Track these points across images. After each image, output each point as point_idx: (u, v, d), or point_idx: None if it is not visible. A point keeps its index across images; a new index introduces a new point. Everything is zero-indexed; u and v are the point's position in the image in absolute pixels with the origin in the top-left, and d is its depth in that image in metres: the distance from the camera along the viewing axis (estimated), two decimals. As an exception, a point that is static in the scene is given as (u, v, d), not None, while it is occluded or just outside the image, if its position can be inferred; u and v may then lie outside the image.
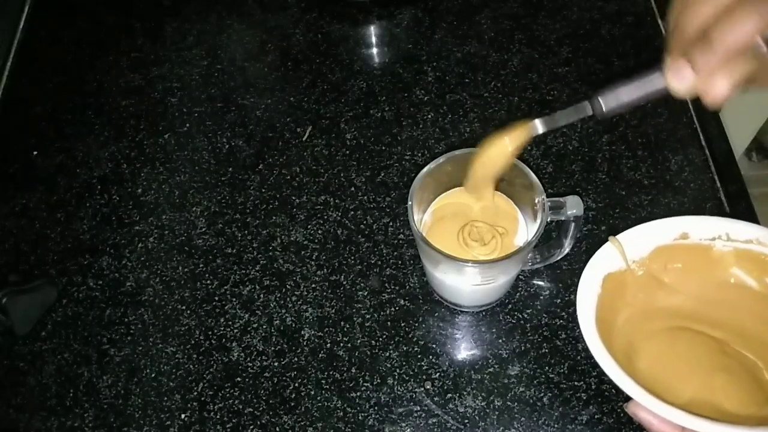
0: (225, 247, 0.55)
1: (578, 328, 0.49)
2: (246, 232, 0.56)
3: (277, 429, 0.47)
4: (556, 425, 0.46)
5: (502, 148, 0.40)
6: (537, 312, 0.51)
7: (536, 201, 0.44)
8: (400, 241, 0.55)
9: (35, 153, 0.62)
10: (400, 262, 0.54)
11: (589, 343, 0.36)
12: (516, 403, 0.47)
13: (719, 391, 0.37)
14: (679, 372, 0.38)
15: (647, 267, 0.41)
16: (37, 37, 0.70)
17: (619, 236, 0.40)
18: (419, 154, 0.59)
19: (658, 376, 0.37)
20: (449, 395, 0.48)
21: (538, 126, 0.39)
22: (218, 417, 0.48)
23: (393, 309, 0.52)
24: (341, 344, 0.50)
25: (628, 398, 0.34)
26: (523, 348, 0.49)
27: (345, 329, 0.51)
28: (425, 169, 0.45)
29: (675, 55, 0.32)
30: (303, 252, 0.55)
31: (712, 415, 0.32)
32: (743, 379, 0.37)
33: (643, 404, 0.33)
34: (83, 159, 0.61)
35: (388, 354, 0.50)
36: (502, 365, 0.49)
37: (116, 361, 0.51)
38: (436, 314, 0.51)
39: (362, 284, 0.53)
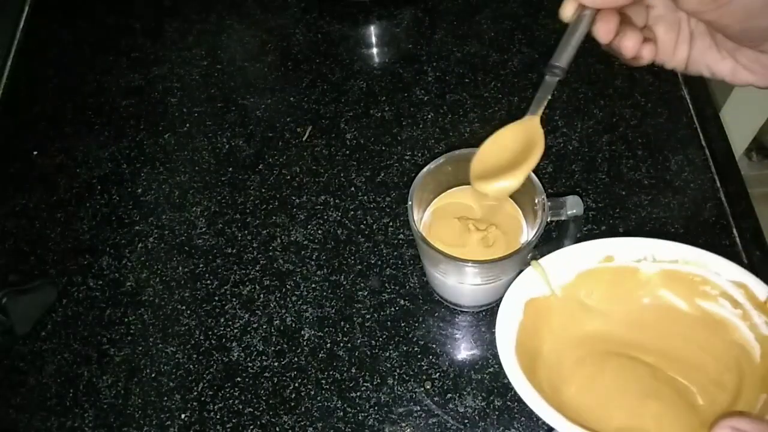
0: (225, 247, 0.55)
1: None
2: (246, 232, 0.56)
3: (277, 429, 0.47)
4: (556, 425, 0.46)
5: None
6: (537, 312, 0.51)
7: (536, 201, 0.44)
8: (400, 241, 0.55)
9: (35, 153, 0.62)
10: (400, 262, 0.54)
11: (509, 372, 0.34)
12: (516, 403, 0.47)
13: (650, 419, 0.36)
14: (608, 400, 0.37)
15: (571, 292, 0.39)
16: (37, 37, 0.70)
17: (542, 260, 0.39)
18: (419, 154, 0.59)
19: (587, 405, 0.36)
20: (449, 395, 0.48)
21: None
22: (218, 417, 0.48)
23: (393, 309, 0.52)
24: (341, 344, 0.50)
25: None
26: (523, 348, 0.49)
27: (345, 329, 0.51)
28: (425, 169, 0.45)
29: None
30: (303, 252, 0.55)
31: None
32: (676, 405, 0.36)
33: None
34: (83, 159, 0.61)
35: (388, 354, 0.50)
36: (502, 365, 0.49)
37: (116, 361, 0.51)
38: (436, 314, 0.51)
39: (362, 284, 0.53)
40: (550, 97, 0.37)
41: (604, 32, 0.33)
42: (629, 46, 0.33)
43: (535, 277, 0.39)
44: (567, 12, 0.35)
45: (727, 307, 0.37)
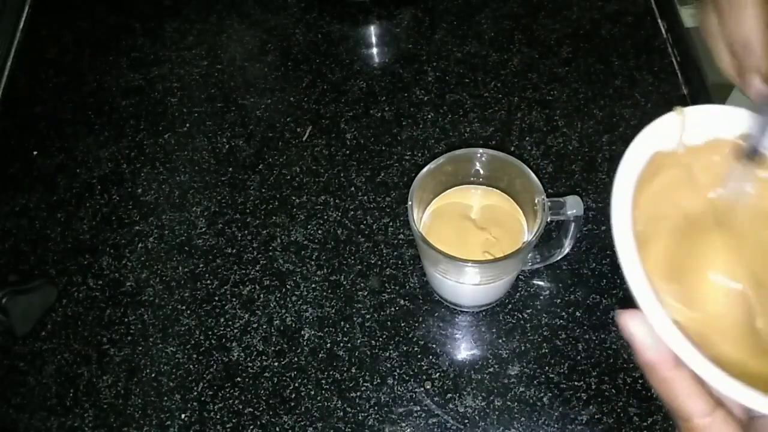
0: (225, 247, 0.55)
1: (578, 328, 0.50)
2: (246, 232, 0.56)
3: (277, 429, 0.47)
4: (556, 425, 0.46)
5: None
6: (537, 312, 0.51)
7: (536, 201, 0.44)
8: (400, 241, 0.55)
9: (35, 153, 0.62)
10: (400, 262, 0.54)
11: (618, 217, 0.29)
12: (516, 403, 0.47)
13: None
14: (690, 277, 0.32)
15: (693, 158, 0.34)
16: (37, 37, 0.70)
17: (686, 109, 0.33)
18: (419, 154, 0.59)
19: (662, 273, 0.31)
20: (449, 395, 0.48)
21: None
22: (218, 417, 0.48)
23: (393, 309, 0.52)
24: (341, 344, 0.50)
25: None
26: (523, 348, 0.49)
27: (345, 329, 0.51)
28: (425, 169, 0.45)
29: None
30: (303, 252, 0.55)
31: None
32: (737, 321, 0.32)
33: (648, 316, 0.27)
34: (83, 159, 0.61)
35: (388, 354, 0.50)
36: (502, 365, 0.49)
37: (116, 361, 0.51)
38: (436, 314, 0.51)
39: (362, 284, 0.53)
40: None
41: None
42: None
43: (670, 127, 0.33)
44: (757, 87, 0.32)
45: None
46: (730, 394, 0.26)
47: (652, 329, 0.27)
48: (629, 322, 0.28)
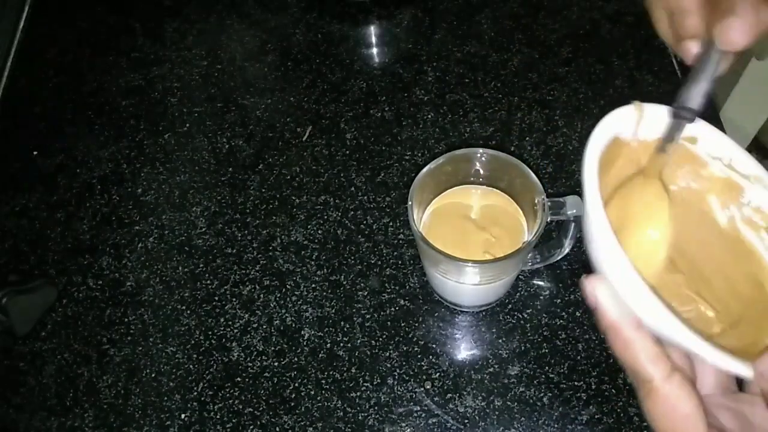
0: (225, 247, 0.55)
1: (578, 328, 0.50)
2: (246, 232, 0.56)
3: (277, 429, 0.47)
4: (556, 425, 0.46)
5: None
6: (537, 312, 0.51)
7: (536, 201, 0.44)
8: (400, 241, 0.55)
9: (35, 153, 0.62)
10: (400, 262, 0.54)
11: (589, 187, 0.31)
12: (516, 403, 0.47)
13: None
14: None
15: (643, 153, 0.37)
16: (37, 37, 0.70)
17: (644, 105, 0.36)
18: (419, 154, 0.59)
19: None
20: (449, 395, 0.48)
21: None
22: (218, 417, 0.48)
23: (393, 309, 0.52)
24: (341, 344, 0.50)
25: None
26: (523, 348, 0.49)
27: (345, 329, 0.51)
28: (425, 169, 0.45)
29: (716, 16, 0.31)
30: (303, 252, 0.55)
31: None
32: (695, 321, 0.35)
33: (617, 279, 0.28)
34: (83, 159, 0.61)
35: (388, 354, 0.50)
36: (502, 365, 0.49)
37: (116, 361, 0.51)
38: (436, 314, 0.51)
39: (362, 284, 0.53)
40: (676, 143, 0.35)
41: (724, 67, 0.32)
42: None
43: (628, 118, 0.36)
44: (692, 52, 0.33)
45: (767, 242, 0.35)
46: (703, 355, 0.27)
47: (616, 293, 0.29)
48: (596, 286, 0.29)
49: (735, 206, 0.37)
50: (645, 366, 0.28)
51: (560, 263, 0.52)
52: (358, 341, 0.50)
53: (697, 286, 0.37)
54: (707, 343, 0.27)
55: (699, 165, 0.37)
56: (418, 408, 0.48)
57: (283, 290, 0.53)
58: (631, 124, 0.36)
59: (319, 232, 0.56)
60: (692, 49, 0.34)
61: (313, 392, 0.48)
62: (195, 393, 0.49)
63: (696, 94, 0.34)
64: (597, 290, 0.29)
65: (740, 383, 0.32)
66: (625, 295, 0.28)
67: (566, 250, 0.48)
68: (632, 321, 0.28)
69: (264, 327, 0.51)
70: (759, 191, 0.36)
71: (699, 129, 0.37)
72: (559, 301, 0.51)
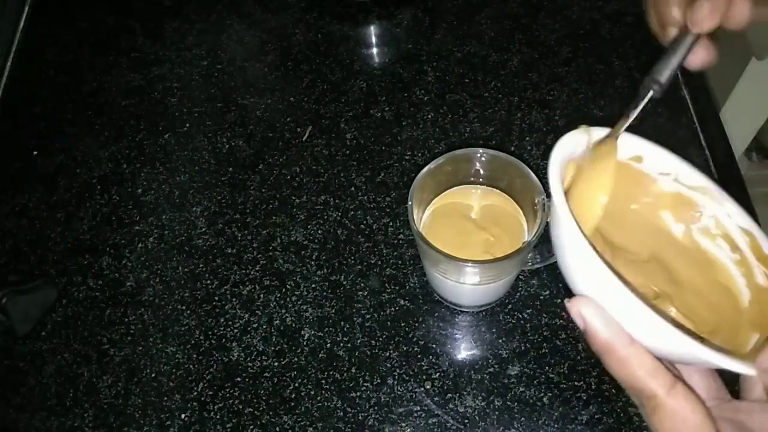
0: (225, 247, 0.55)
1: (578, 328, 0.50)
2: (246, 232, 0.56)
3: (277, 429, 0.47)
4: (556, 425, 0.46)
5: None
6: (537, 312, 0.51)
7: (536, 201, 0.44)
8: (400, 241, 0.55)
9: (35, 153, 0.62)
10: (400, 262, 0.54)
11: (560, 207, 0.31)
12: (516, 403, 0.47)
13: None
14: None
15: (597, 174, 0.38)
16: (37, 37, 0.70)
17: (591, 129, 0.38)
18: (419, 154, 0.59)
19: None
20: (449, 395, 0.48)
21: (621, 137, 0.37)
22: (218, 417, 0.48)
23: (393, 309, 0.52)
24: (341, 344, 0.50)
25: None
26: (523, 348, 0.49)
27: (345, 329, 0.51)
28: (425, 169, 0.45)
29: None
30: (303, 252, 0.55)
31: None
32: None
33: (602, 293, 0.28)
34: (83, 159, 0.61)
35: (388, 354, 0.50)
36: (502, 365, 0.49)
37: (116, 361, 0.51)
38: (436, 314, 0.51)
39: (362, 284, 0.53)
40: (639, 115, 0.37)
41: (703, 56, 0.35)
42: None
43: (579, 141, 0.37)
44: (669, 36, 0.36)
45: (725, 249, 0.37)
46: (704, 357, 0.26)
47: (603, 311, 0.28)
48: (582, 306, 0.28)
49: (688, 219, 0.38)
50: (646, 382, 0.27)
51: (560, 263, 0.52)
52: (358, 341, 0.50)
53: (670, 300, 0.37)
54: (705, 345, 0.26)
55: (648, 182, 0.39)
56: (418, 408, 0.48)
57: (283, 290, 0.53)
58: (582, 148, 0.38)
59: (319, 232, 0.56)
60: (671, 33, 0.36)
61: (313, 392, 0.48)
62: (195, 393, 0.49)
63: (664, 69, 0.36)
64: (583, 311, 0.28)
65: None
66: (613, 308, 0.28)
67: (566, 250, 0.48)
68: (625, 337, 0.27)
69: (264, 327, 0.51)
70: (707, 202, 0.37)
71: (643, 147, 0.38)
72: (559, 301, 0.51)
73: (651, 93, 0.36)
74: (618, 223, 0.38)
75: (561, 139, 0.36)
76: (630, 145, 0.39)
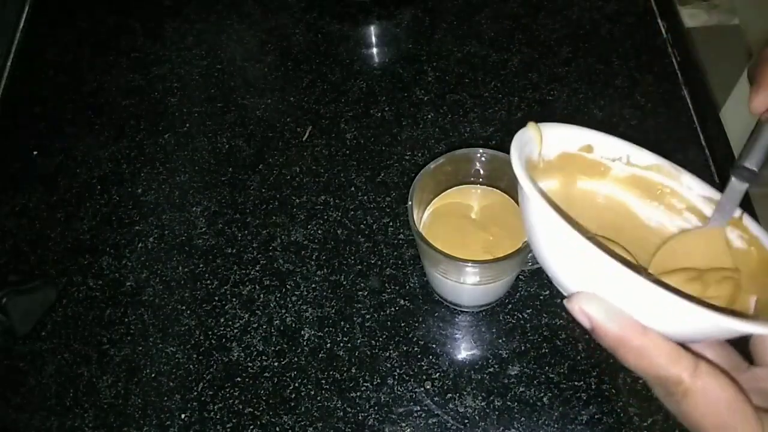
0: (225, 247, 0.55)
1: (578, 328, 0.50)
2: (246, 232, 0.56)
3: (277, 429, 0.47)
4: (556, 425, 0.46)
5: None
6: (537, 312, 0.51)
7: (536, 201, 0.44)
8: (400, 241, 0.55)
9: (35, 153, 0.62)
10: (400, 262, 0.54)
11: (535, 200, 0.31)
12: (516, 403, 0.47)
13: None
14: None
15: (550, 171, 0.38)
16: (37, 37, 0.70)
17: (540, 125, 0.37)
18: (419, 154, 0.59)
19: None
20: (449, 395, 0.48)
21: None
22: (218, 417, 0.48)
23: (393, 309, 0.52)
24: (341, 344, 0.50)
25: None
26: (523, 348, 0.49)
27: (345, 329, 0.51)
28: (425, 169, 0.45)
29: None
30: (303, 252, 0.55)
31: None
32: None
33: (605, 287, 0.26)
34: (83, 159, 0.61)
35: (388, 354, 0.50)
36: (502, 365, 0.49)
37: (116, 361, 0.51)
38: (436, 314, 0.51)
39: (362, 284, 0.53)
40: (737, 206, 0.34)
41: None
42: None
43: (531, 139, 0.37)
44: (759, 107, 0.32)
45: (693, 221, 0.36)
46: (724, 324, 0.24)
47: (607, 303, 0.26)
48: (583, 304, 0.26)
49: (651, 198, 0.38)
50: (669, 368, 0.25)
51: (560, 263, 0.52)
52: (358, 341, 0.50)
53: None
54: (729, 315, 0.24)
55: (604, 170, 0.38)
56: (418, 408, 0.48)
57: (283, 290, 0.53)
58: (535, 146, 0.38)
59: (319, 232, 0.56)
60: (759, 103, 0.34)
61: (313, 392, 0.48)
62: (195, 393, 0.49)
63: (758, 152, 0.34)
64: (585, 307, 0.26)
65: None
66: (616, 296, 0.26)
67: (566, 250, 0.48)
68: (636, 327, 0.26)
69: (264, 327, 0.51)
70: (663, 178, 0.37)
71: (590, 137, 0.38)
72: (559, 301, 0.51)
73: (746, 185, 0.33)
74: (591, 218, 0.37)
75: (513, 140, 0.35)
76: (577, 136, 0.38)
